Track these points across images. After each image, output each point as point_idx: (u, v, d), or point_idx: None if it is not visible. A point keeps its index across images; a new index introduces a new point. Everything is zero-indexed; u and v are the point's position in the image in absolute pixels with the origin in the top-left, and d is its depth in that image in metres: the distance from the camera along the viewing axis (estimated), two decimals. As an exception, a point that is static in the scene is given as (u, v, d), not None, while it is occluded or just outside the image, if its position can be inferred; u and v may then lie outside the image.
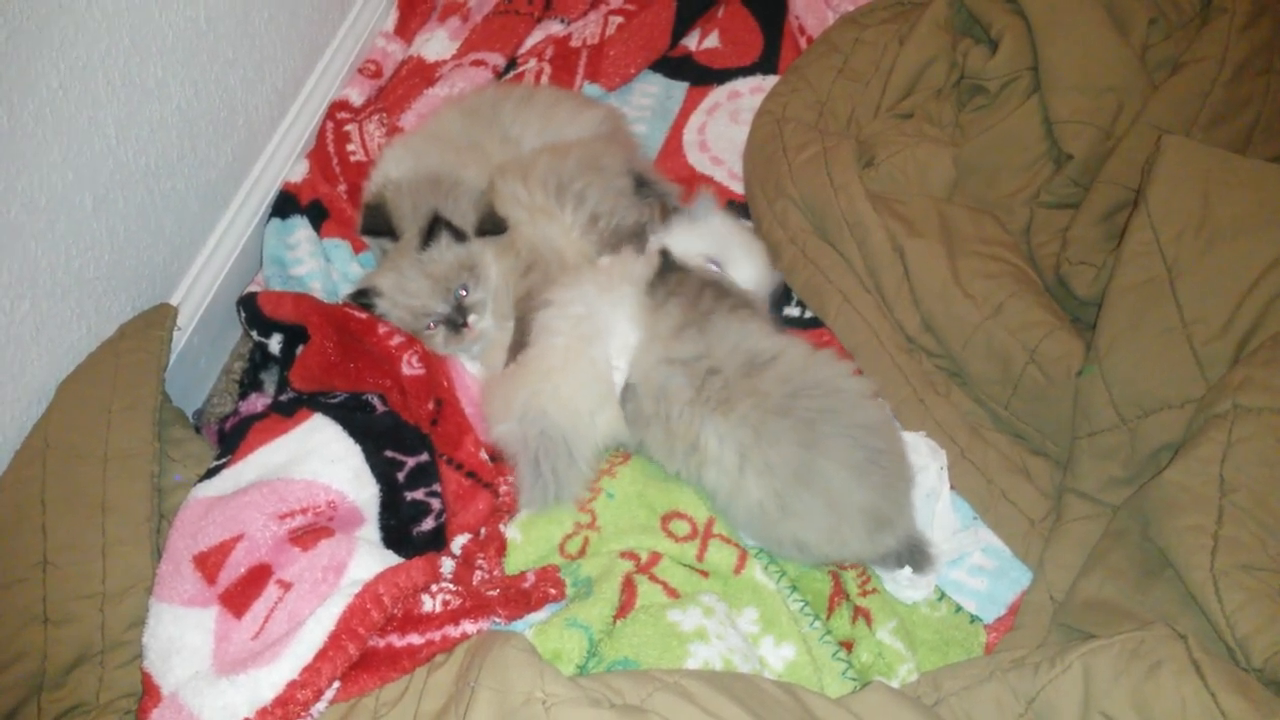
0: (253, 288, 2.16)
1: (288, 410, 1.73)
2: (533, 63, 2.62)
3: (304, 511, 1.56)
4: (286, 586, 1.49)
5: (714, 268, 1.93)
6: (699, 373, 1.65)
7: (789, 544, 1.62)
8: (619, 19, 2.67)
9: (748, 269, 1.99)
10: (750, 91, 2.58)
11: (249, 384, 2.02)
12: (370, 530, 1.65)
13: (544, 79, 2.57)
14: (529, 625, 1.54)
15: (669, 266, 1.83)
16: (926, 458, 1.75)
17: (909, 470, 1.68)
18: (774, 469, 1.58)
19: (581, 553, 1.69)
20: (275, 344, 1.91)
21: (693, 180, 2.38)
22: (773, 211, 2.16)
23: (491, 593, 1.55)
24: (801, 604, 1.61)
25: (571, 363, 1.75)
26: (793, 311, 2.12)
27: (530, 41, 2.73)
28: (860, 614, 1.61)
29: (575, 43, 2.64)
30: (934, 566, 1.64)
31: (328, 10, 2.49)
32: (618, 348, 1.78)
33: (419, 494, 1.70)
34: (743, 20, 2.74)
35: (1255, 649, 1.25)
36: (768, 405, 1.60)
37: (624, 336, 1.79)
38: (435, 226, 1.92)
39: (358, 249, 2.20)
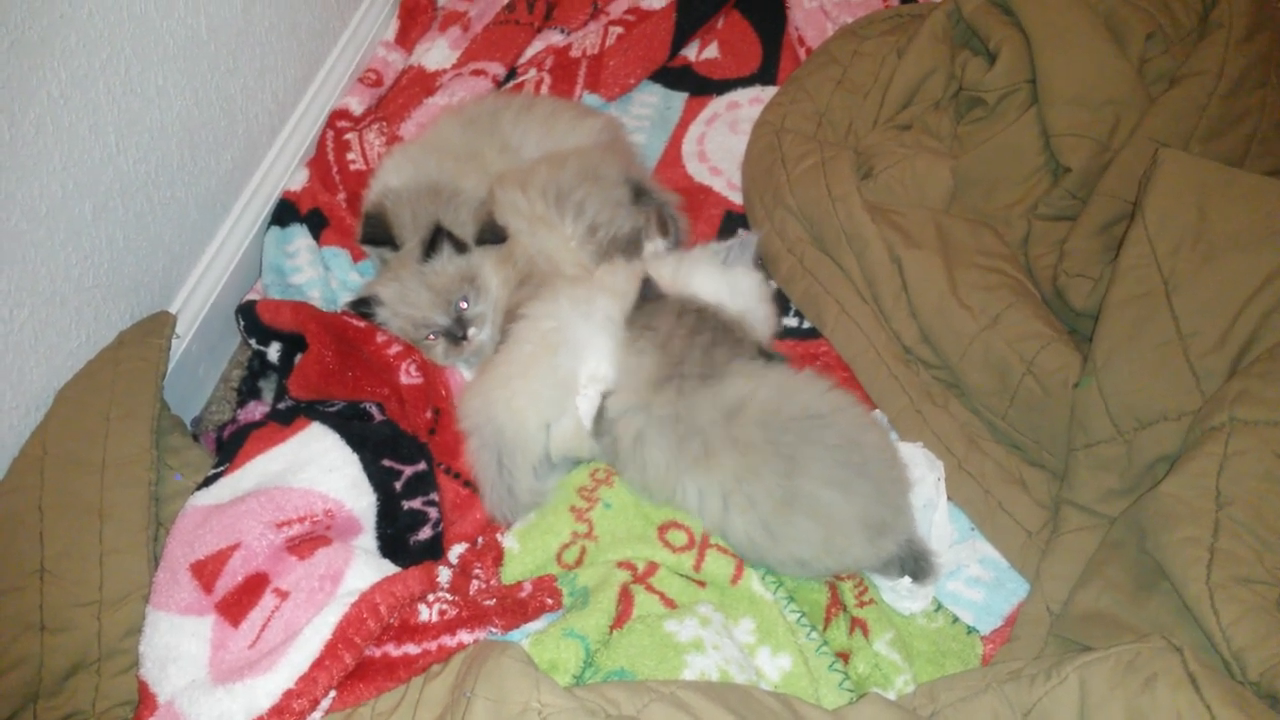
0: (251, 296, 2.16)
1: (286, 419, 1.73)
2: (532, 72, 2.63)
3: (301, 520, 1.56)
4: (283, 595, 1.48)
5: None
6: (678, 433, 1.63)
7: (790, 563, 1.61)
8: (619, 29, 2.68)
9: (758, 330, 1.91)
10: (749, 102, 2.59)
11: (247, 392, 2.02)
12: (367, 539, 1.65)
13: (544, 89, 2.58)
14: (525, 635, 1.54)
15: (649, 295, 1.77)
16: (924, 469, 1.75)
17: (902, 472, 1.67)
18: (757, 503, 1.58)
19: (579, 562, 1.69)
20: (274, 352, 1.91)
21: (691, 190, 2.39)
22: (771, 221, 2.16)
23: (488, 602, 1.54)
24: (798, 615, 1.61)
25: (531, 371, 1.75)
26: (790, 321, 2.12)
27: (530, 51, 2.74)
28: (857, 625, 1.61)
29: (575, 53, 2.65)
30: (935, 573, 1.64)
31: (328, 19, 2.50)
32: (588, 372, 1.76)
33: (416, 503, 1.70)
34: (742, 31, 2.76)
35: (1251, 662, 1.25)
36: (749, 451, 1.59)
37: (597, 356, 1.76)
38: (437, 237, 1.92)
39: (357, 258, 2.21)
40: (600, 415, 1.72)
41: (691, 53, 2.74)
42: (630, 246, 2.02)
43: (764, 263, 2.15)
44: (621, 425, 1.69)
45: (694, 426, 1.63)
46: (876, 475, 1.59)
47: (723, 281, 1.88)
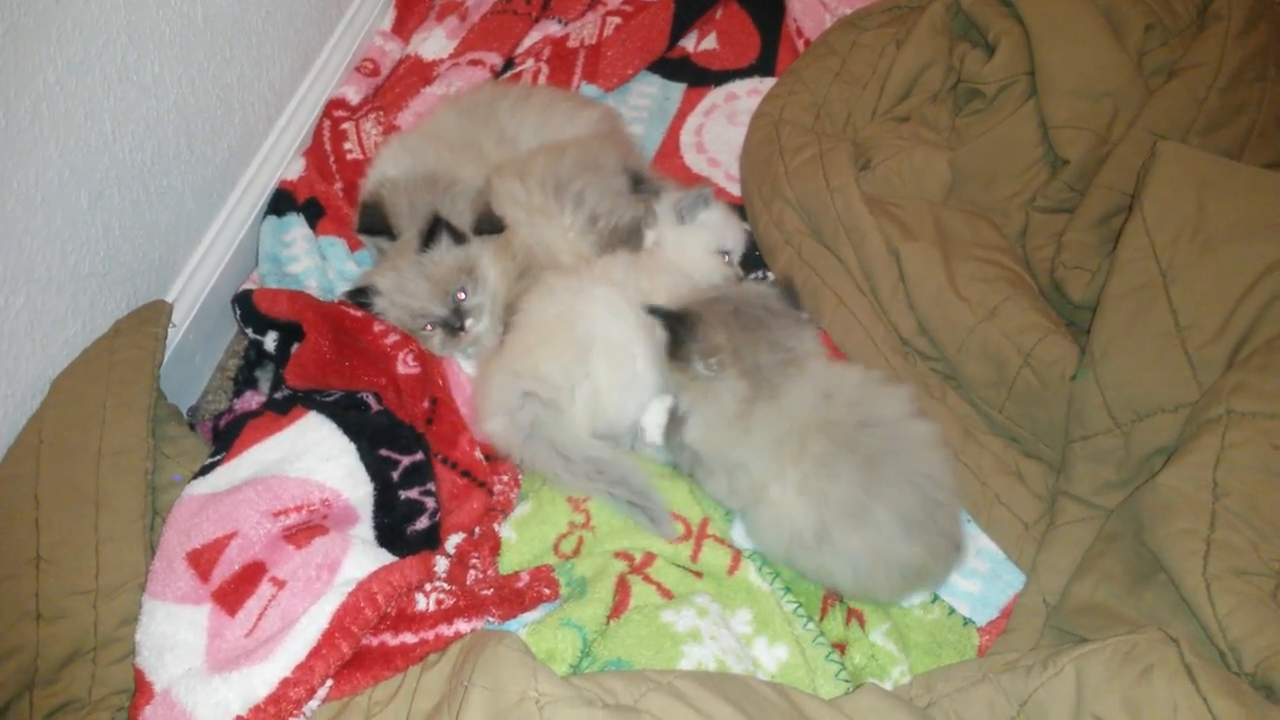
0: (248, 285, 2.16)
1: (282, 408, 1.73)
2: (530, 63, 2.62)
3: (298, 509, 1.56)
4: (280, 584, 1.48)
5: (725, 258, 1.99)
6: (775, 436, 1.58)
7: (817, 572, 1.60)
8: (617, 20, 2.67)
9: (739, 246, 2.09)
10: (747, 93, 2.59)
11: (244, 381, 2.02)
12: (364, 529, 1.65)
13: (541, 79, 2.57)
14: (523, 625, 1.54)
15: (676, 320, 1.63)
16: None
17: (961, 527, 1.62)
18: (828, 501, 1.53)
19: (576, 552, 1.69)
20: (270, 341, 1.91)
21: (690, 181, 2.38)
22: (769, 213, 2.16)
23: (485, 592, 1.54)
24: (795, 605, 1.61)
25: (552, 338, 1.76)
26: (788, 313, 2.12)
27: (528, 41, 2.73)
28: (853, 616, 1.61)
29: (573, 43, 2.64)
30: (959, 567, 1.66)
31: (325, 8, 2.49)
32: (654, 408, 1.80)
33: (413, 493, 1.70)
34: (740, 22, 2.75)
35: (1247, 653, 1.26)
36: (837, 436, 1.54)
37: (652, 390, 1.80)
38: (435, 227, 1.91)
39: (353, 247, 2.20)
40: (679, 440, 1.70)
41: (690, 43, 2.73)
42: (631, 236, 2.02)
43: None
44: (717, 457, 1.64)
45: (792, 423, 1.57)
46: (944, 529, 1.55)
47: (709, 230, 2.00)
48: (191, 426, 1.88)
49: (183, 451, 1.73)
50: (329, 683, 1.39)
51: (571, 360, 1.75)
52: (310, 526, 1.57)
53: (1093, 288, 1.81)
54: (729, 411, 1.60)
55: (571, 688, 1.25)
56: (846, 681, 1.52)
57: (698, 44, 2.72)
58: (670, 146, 2.50)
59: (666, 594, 1.60)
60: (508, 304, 1.95)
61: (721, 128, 2.52)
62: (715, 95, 2.60)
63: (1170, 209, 1.63)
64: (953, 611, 1.67)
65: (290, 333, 1.88)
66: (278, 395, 1.82)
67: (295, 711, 1.35)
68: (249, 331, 1.93)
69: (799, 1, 2.73)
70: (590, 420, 1.77)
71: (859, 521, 1.52)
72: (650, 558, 1.64)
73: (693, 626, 1.50)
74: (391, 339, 1.90)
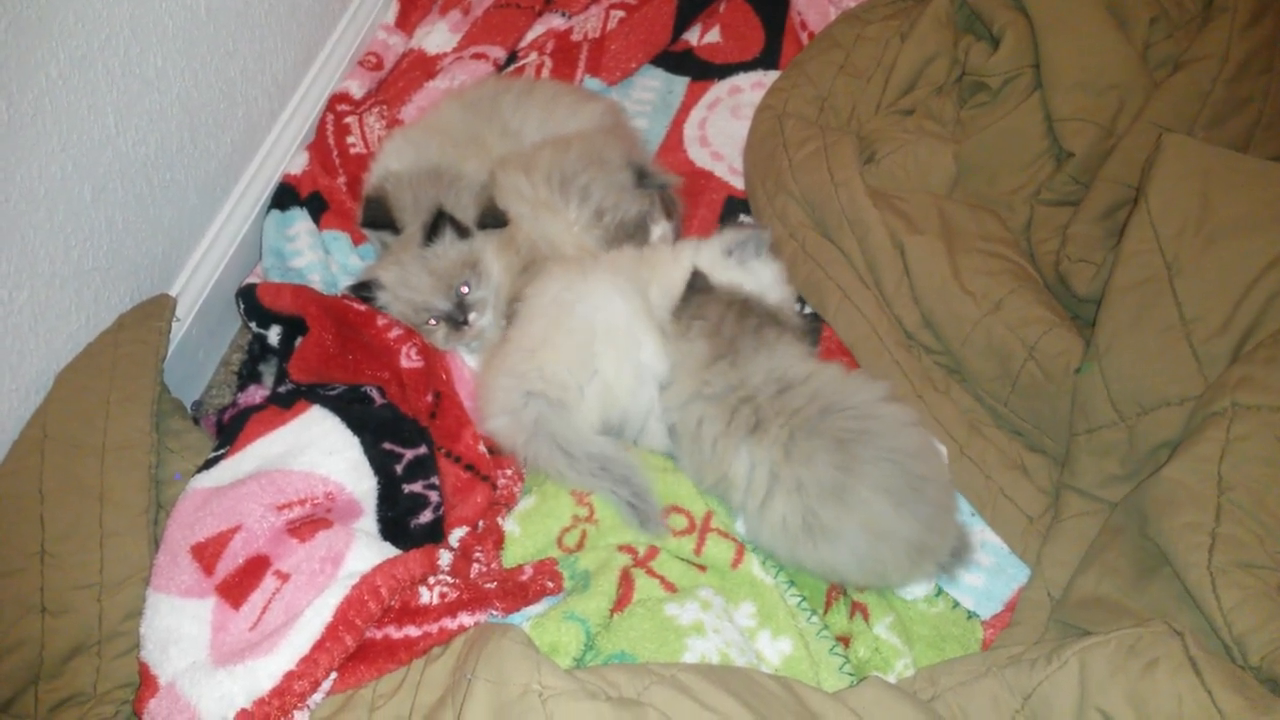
0: (252, 279, 2.16)
1: (286, 402, 1.73)
2: (533, 56, 2.61)
3: (302, 503, 1.56)
4: (284, 578, 1.48)
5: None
6: (731, 404, 1.63)
7: (821, 569, 1.60)
8: (620, 13, 2.67)
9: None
10: (751, 87, 2.58)
11: (247, 376, 2.02)
12: (368, 522, 1.65)
13: (545, 73, 2.56)
14: (526, 618, 1.54)
15: (697, 288, 1.77)
16: (925, 454, 1.75)
17: (954, 499, 1.64)
18: (805, 487, 1.54)
19: (579, 546, 1.69)
20: (274, 336, 1.91)
21: (693, 175, 2.38)
22: (773, 207, 2.16)
23: (489, 585, 1.54)
24: (799, 599, 1.61)
25: (553, 337, 1.76)
26: (792, 307, 2.11)
27: (531, 35, 2.73)
28: (857, 609, 1.61)
29: (576, 36, 2.64)
30: (966, 564, 1.66)
31: (328, 2, 2.48)
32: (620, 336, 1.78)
33: (417, 486, 1.70)
34: (744, 15, 2.74)
35: (1252, 646, 1.26)
36: (797, 422, 1.56)
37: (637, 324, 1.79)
38: (439, 221, 1.91)
39: (357, 241, 2.20)
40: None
41: (693, 37, 2.72)
42: (637, 230, 2.01)
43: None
44: (682, 416, 1.69)
45: (746, 395, 1.62)
46: (932, 497, 1.55)
47: (743, 275, 1.88)
48: (195, 421, 1.89)
49: (186, 446, 1.73)
50: (333, 676, 1.39)
51: (576, 357, 1.74)
52: (314, 520, 1.57)
53: (1097, 281, 1.80)
54: (693, 363, 1.70)
55: (575, 681, 1.25)
56: (850, 675, 1.52)
57: (701, 37, 2.72)
58: (674, 140, 2.50)
59: (670, 587, 1.60)
60: (511, 298, 1.95)
61: (725, 121, 2.52)
62: (719, 89, 2.60)
63: (1175, 202, 1.63)
64: (957, 605, 1.67)
65: (294, 327, 1.88)
66: (281, 389, 1.82)
67: (299, 704, 1.35)
68: (252, 325, 1.93)
69: (803, -6, 2.72)
70: (603, 413, 1.76)
71: (843, 503, 1.52)
72: (654, 551, 1.64)
73: (696, 620, 1.50)
74: (395, 333, 1.90)
